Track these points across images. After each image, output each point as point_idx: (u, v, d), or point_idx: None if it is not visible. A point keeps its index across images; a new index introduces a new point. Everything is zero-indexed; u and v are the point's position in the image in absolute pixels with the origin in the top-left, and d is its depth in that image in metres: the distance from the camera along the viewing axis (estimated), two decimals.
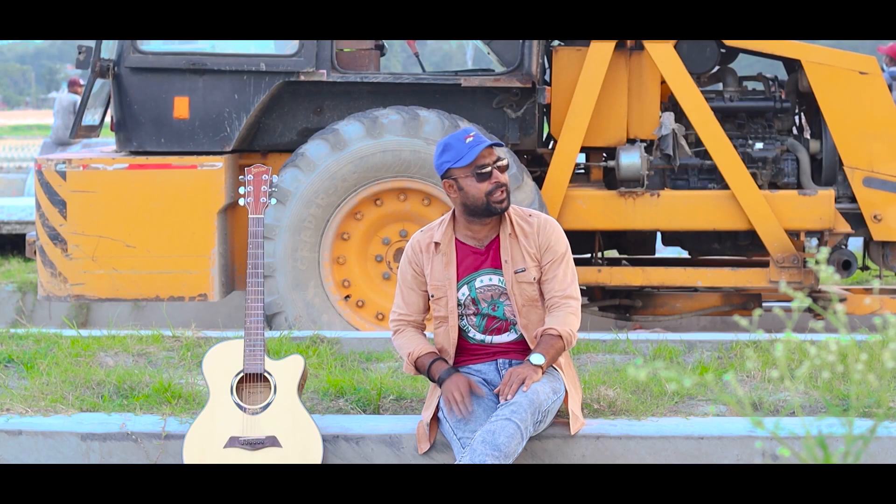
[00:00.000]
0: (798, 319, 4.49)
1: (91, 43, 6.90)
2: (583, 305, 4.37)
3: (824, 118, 7.09)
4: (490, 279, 4.19)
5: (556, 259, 4.18)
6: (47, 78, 62.92)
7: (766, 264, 7.11)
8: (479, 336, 4.24)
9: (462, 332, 4.24)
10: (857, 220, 7.09)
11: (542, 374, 4.07)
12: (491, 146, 4.13)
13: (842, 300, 7.21)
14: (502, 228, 4.20)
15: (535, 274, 4.17)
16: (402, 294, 4.29)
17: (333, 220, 6.81)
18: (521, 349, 4.22)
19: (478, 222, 4.18)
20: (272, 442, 4.12)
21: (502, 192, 4.12)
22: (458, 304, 4.19)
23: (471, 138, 4.12)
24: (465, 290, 4.19)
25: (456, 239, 4.22)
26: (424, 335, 4.30)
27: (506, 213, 4.19)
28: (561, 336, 4.10)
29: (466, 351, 4.25)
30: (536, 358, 4.07)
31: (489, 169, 4.11)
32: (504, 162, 4.17)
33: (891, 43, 10.39)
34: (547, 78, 7.22)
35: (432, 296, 4.22)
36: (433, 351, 4.21)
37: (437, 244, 4.20)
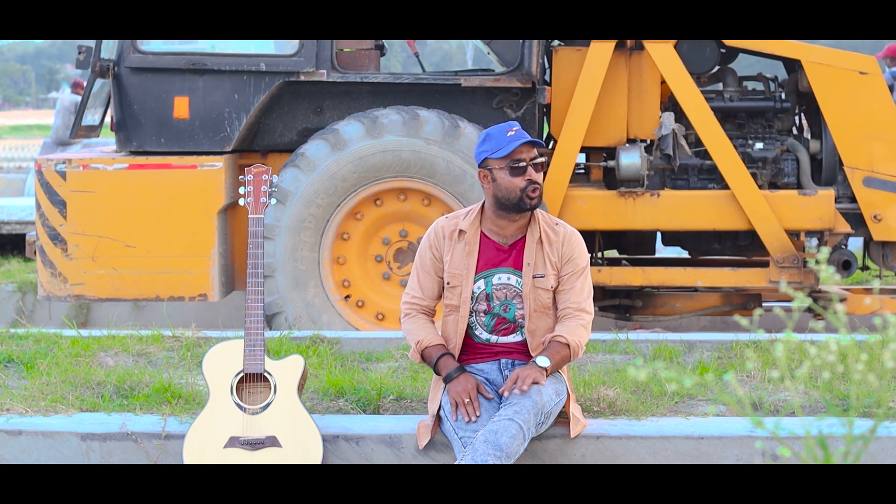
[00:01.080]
0: (798, 319, 4.49)
1: (91, 43, 6.90)
2: None
3: (824, 118, 7.08)
4: (508, 278, 4.20)
5: (576, 271, 4.19)
6: (47, 78, 62.92)
7: (766, 264, 7.10)
8: (485, 335, 4.23)
9: (468, 329, 4.23)
10: (857, 220, 7.08)
11: (547, 377, 4.08)
12: (532, 143, 4.14)
13: (842, 300, 7.21)
14: (530, 232, 4.20)
15: (552, 282, 4.18)
16: (417, 278, 4.29)
17: (333, 220, 6.81)
18: (524, 350, 4.23)
19: (506, 218, 4.18)
20: (272, 442, 4.11)
21: (535, 189, 4.13)
22: (472, 297, 4.19)
23: (513, 132, 4.14)
24: (481, 283, 4.19)
25: (481, 231, 4.23)
26: (434, 324, 4.30)
27: (536, 218, 4.20)
28: (569, 345, 4.11)
29: (470, 349, 4.25)
30: (542, 360, 4.08)
31: (524, 164, 4.12)
32: (541, 160, 4.17)
33: (891, 44, 10.39)
34: (547, 78, 7.21)
35: (448, 283, 4.22)
36: (442, 343, 4.21)
37: (461, 232, 4.21)
